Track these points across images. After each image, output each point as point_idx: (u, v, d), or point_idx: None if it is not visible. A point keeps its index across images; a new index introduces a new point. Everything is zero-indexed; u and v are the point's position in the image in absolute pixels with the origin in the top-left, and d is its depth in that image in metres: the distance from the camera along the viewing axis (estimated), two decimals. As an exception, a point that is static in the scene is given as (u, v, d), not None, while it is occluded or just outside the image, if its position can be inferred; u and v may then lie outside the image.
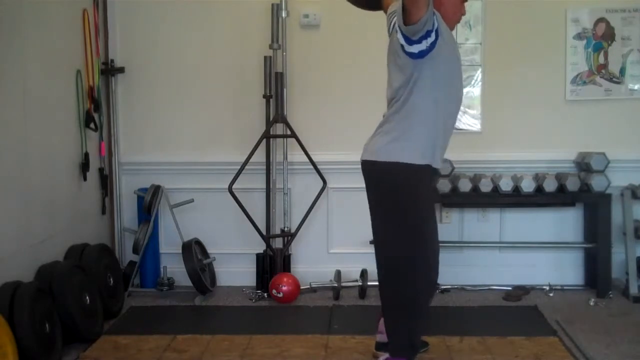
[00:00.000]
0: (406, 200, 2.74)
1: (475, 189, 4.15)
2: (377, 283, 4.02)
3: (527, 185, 4.07)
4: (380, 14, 3.08)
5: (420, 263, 2.76)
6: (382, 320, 3.08)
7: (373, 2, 3.08)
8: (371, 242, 4.03)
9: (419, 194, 2.75)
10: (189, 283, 4.02)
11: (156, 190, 4.20)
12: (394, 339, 2.84)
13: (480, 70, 4.24)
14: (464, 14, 2.88)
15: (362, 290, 4.07)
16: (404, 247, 2.75)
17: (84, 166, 3.94)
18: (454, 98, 2.83)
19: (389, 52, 2.82)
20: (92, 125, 4.01)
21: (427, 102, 2.71)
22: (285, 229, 4.32)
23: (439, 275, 2.87)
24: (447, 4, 2.78)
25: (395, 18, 2.67)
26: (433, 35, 2.60)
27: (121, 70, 4.30)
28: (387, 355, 2.87)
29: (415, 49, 2.62)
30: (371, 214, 2.88)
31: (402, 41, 2.63)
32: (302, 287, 4.10)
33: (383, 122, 2.84)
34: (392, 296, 2.82)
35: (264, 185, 4.26)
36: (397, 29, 2.64)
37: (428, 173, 2.77)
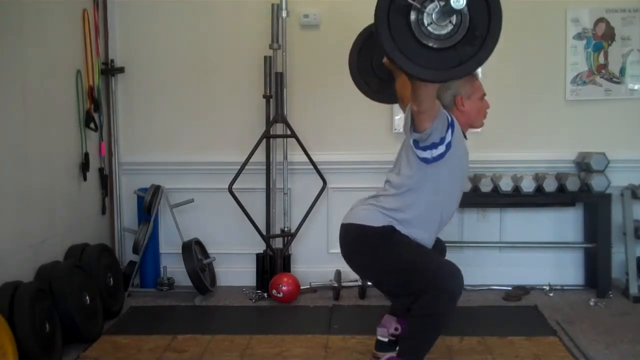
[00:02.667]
0: (390, 242, 2.75)
1: (475, 189, 4.15)
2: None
3: (527, 185, 4.07)
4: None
5: (444, 272, 2.68)
6: (386, 316, 3.08)
7: (390, 97, 3.11)
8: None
9: (401, 238, 2.77)
10: (189, 283, 4.02)
11: (156, 190, 4.20)
12: (410, 343, 2.75)
13: (480, 70, 4.23)
14: (488, 107, 2.93)
15: (362, 290, 4.07)
16: (419, 269, 2.71)
17: (84, 166, 3.94)
18: (448, 210, 2.86)
19: (404, 142, 2.84)
20: (92, 125, 4.01)
21: (422, 207, 2.76)
22: (285, 229, 4.32)
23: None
24: (469, 109, 2.84)
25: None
26: (441, 148, 2.62)
27: (121, 70, 4.30)
28: (391, 354, 2.84)
29: (420, 154, 2.66)
30: (369, 277, 2.92)
31: (411, 142, 2.66)
32: (302, 287, 4.10)
33: (376, 197, 2.85)
34: (429, 309, 2.67)
35: (264, 185, 4.26)
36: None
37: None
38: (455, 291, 2.65)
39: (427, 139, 2.59)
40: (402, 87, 2.94)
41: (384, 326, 3.06)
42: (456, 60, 2.17)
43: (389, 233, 2.76)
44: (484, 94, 2.91)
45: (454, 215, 2.97)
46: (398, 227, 2.77)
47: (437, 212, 2.82)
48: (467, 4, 2.07)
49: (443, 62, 2.16)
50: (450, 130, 2.64)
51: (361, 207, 2.88)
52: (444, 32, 2.14)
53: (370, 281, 2.98)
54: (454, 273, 2.66)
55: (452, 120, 2.67)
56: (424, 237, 2.82)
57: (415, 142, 2.64)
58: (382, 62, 2.93)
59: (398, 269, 2.74)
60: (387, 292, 3.00)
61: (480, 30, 2.17)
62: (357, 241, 2.84)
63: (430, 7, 2.11)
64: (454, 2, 2.03)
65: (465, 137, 2.88)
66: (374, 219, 2.79)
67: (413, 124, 2.58)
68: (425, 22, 2.13)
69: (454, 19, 2.14)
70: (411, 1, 2.11)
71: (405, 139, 2.78)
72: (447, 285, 2.63)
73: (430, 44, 2.14)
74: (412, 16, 2.13)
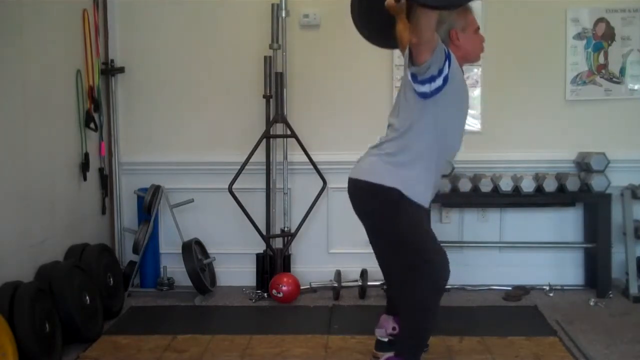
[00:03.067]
0: (400, 214, 2.74)
1: (475, 189, 4.15)
2: (377, 283, 4.07)
3: (527, 185, 4.07)
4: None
5: (434, 260, 2.73)
6: (383, 316, 3.08)
7: (391, 42, 3.09)
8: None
9: (408, 210, 2.75)
10: (189, 283, 4.02)
11: (156, 190, 4.20)
12: (408, 341, 2.79)
13: (480, 70, 4.24)
14: (483, 40, 2.89)
15: (362, 290, 4.07)
16: (414, 248, 2.75)
17: (84, 166, 3.94)
18: (451, 144, 2.85)
19: (402, 81, 2.83)
20: (92, 125, 4.01)
21: (423, 144, 2.73)
22: (285, 229, 4.32)
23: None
24: (464, 43, 2.79)
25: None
26: (439, 81, 2.60)
27: (121, 70, 4.30)
28: (390, 354, 2.85)
29: (419, 88, 2.64)
30: (370, 236, 2.91)
31: (410, 77, 2.65)
32: (302, 287, 4.10)
33: (378, 146, 2.85)
34: (413, 297, 2.74)
35: (264, 185, 4.26)
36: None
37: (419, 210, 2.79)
38: (442, 282, 2.73)
39: (425, 72, 2.57)
40: (403, 29, 2.93)
41: (382, 326, 3.07)
42: None
43: (396, 201, 2.72)
44: (478, 27, 2.87)
45: (458, 150, 2.93)
46: (404, 189, 2.72)
47: (439, 148, 2.77)
48: None
49: None
50: (447, 63, 2.60)
51: (367, 159, 2.86)
52: None
53: (370, 239, 2.96)
54: (445, 266, 2.72)
55: (449, 53, 2.64)
56: (428, 182, 2.78)
57: (414, 77, 2.62)
58: (384, 5, 2.92)
59: (396, 240, 2.77)
60: (378, 252, 2.99)
61: None
62: (365, 199, 2.83)
63: None
64: None
65: (462, 71, 2.84)
66: (381, 175, 2.76)
67: (412, 58, 2.56)
68: None
69: None
70: None
71: (403, 79, 2.78)
72: (436, 276, 2.70)
73: None
74: None
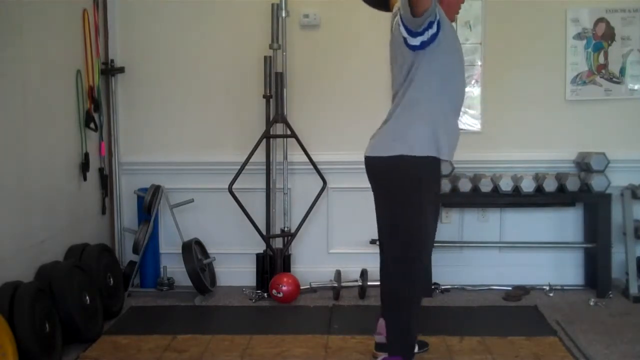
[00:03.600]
0: (408, 193, 2.74)
1: (475, 189, 4.15)
2: (377, 283, 4.05)
3: (527, 185, 4.07)
4: (380, 13, 3.08)
5: (417, 258, 2.79)
6: (380, 321, 3.08)
7: (383, 3, 3.09)
8: (371, 242, 4.04)
9: (422, 187, 2.74)
10: (189, 283, 4.02)
11: (156, 190, 4.20)
12: (393, 337, 2.84)
13: (480, 70, 4.24)
14: (462, 1, 2.91)
15: (362, 290, 4.07)
16: (404, 241, 2.77)
17: (84, 166, 3.94)
18: (454, 90, 2.83)
19: (392, 48, 2.85)
20: (92, 125, 4.01)
21: (425, 94, 2.73)
22: (285, 229, 4.32)
23: (431, 273, 2.89)
24: (447, 1, 2.80)
25: (399, 14, 2.68)
26: (435, 26, 2.63)
27: (121, 70, 4.30)
28: (385, 355, 2.87)
29: (417, 40, 2.65)
30: (376, 209, 2.90)
31: (405, 34, 2.66)
32: (302, 287, 4.10)
33: (387, 118, 2.86)
34: (391, 293, 2.85)
35: (264, 185, 4.26)
36: (400, 22, 2.66)
37: (433, 165, 2.77)
38: (414, 278, 2.80)
39: (424, 21, 2.58)
40: None
41: (381, 333, 3.06)
42: None
43: (412, 173, 2.72)
44: None
45: (463, 99, 2.92)
46: (424, 147, 2.70)
47: (445, 95, 2.77)
48: None
49: None
50: (437, 10, 2.64)
51: (378, 133, 2.85)
52: None
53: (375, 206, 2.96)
54: (418, 277, 2.83)
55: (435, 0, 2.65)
56: (444, 129, 2.75)
57: (410, 32, 2.63)
58: None
59: (395, 223, 2.79)
60: (380, 225, 2.95)
61: None
62: (381, 175, 2.83)
63: None
64: None
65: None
66: (400, 144, 2.73)
67: (412, 11, 2.55)
68: None
69: None
70: None
71: (392, 44, 2.80)
72: (410, 270, 2.77)
73: None
74: None
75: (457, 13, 2.94)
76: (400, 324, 2.82)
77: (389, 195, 2.81)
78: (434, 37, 2.65)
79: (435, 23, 2.63)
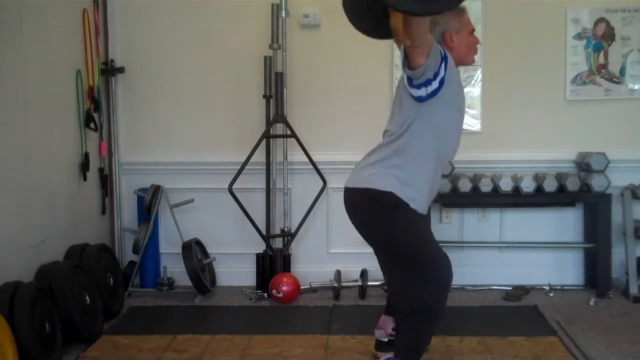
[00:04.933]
0: (397, 218, 2.71)
1: (475, 189, 4.15)
2: (377, 283, 4.07)
3: (527, 185, 4.07)
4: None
5: (437, 263, 2.68)
6: (382, 317, 3.08)
7: (386, 34, 3.08)
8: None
9: (409, 214, 2.71)
10: (189, 283, 4.02)
11: (156, 190, 4.20)
12: (406, 343, 2.75)
13: (480, 70, 4.24)
14: (478, 42, 2.89)
15: (362, 290, 4.07)
16: (409, 253, 2.70)
17: (84, 166, 3.94)
18: (447, 147, 2.80)
19: (398, 85, 2.81)
20: (92, 125, 4.01)
21: (420, 146, 2.70)
22: (285, 229, 4.32)
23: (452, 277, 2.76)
24: (458, 46, 2.78)
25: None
26: (435, 84, 2.57)
27: (121, 70, 4.30)
28: (390, 354, 2.84)
29: (415, 92, 2.61)
30: (372, 244, 2.88)
31: (405, 81, 2.63)
32: (302, 287, 4.10)
33: (374, 152, 2.82)
34: (424, 307, 2.67)
35: (264, 185, 4.26)
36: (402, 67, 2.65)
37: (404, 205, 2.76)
38: (444, 284, 2.66)
39: (421, 76, 2.54)
40: (396, 22, 2.89)
41: (381, 328, 3.06)
42: None
43: (392, 205, 2.69)
44: (473, 29, 2.85)
45: (454, 154, 2.90)
46: (400, 192, 2.68)
47: (437, 152, 2.74)
48: None
49: None
50: (443, 65, 2.57)
51: (362, 167, 2.82)
52: None
53: (372, 247, 2.94)
54: (446, 267, 2.67)
55: (445, 55, 2.61)
56: (425, 187, 2.74)
57: (410, 80, 2.60)
58: None
59: (396, 245, 2.72)
60: (383, 261, 2.97)
61: None
62: (361, 206, 2.79)
63: None
64: None
65: (458, 72, 2.82)
66: (376, 181, 2.72)
67: (407, 61, 2.54)
68: None
69: None
70: None
71: (399, 84, 2.75)
72: (438, 278, 2.64)
73: None
74: None
75: (476, 52, 2.88)
76: (419, 335, 2.74)
77: (372, 224, 2.76)
78: (433, 93, 2.59)
79: (437, 80, 2.57)
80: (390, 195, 2.68)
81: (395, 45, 3.00)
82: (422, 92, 2.59)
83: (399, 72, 4.17)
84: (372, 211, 2.74)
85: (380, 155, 2.76)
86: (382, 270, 3.07)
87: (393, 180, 2.69)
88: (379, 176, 2.72)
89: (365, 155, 2.87)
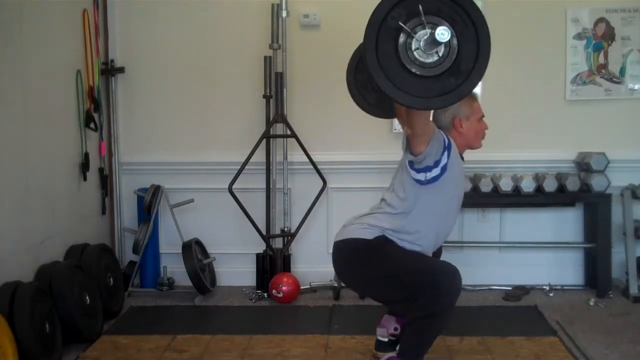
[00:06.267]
0: (389, 253, 2.75)
1: (475, 189, 4.15)
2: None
3: (527, 185, 4.07)
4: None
5: (440, 271, 2.68)
6: (385, 316, 3.08)
7: (388, 112, 3.09)
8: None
9: (400, 246, 2.77)
10: (189, 283, 4.02)
11: (156, 190, 4.20)
12: (411, 345, 2.75)
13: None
14: (487, 128, 2.93)
15: (362, 290, 4.07)
16: (419, 271, 2.70)
17: (84, 166, 3.94)
18: (444, 228, 2.87)
19: (401, 161, 2.83)
20: (92, 125, 4.01)
21: (416, 227, 2.75)
22: (285, 229, 4.32)
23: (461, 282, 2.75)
24: (467, 131, 2.84)
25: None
26: (435, 171, 2.63)
27: (121, 70, 4.30)
28: (391, 354, 2.83)
29: (415, 175, 2.67)
30: (368, 291, 2.92)
31: (406, 163, 2.67)
32: (302, 287, 4.10)
33: (370, 215, 2.85)
34: (436, 315, 2.65)
35: (264, 185, 4.26)
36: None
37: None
38: (454, 288, 2.64)
39: (421, 162, 2.60)
40: (399, 108, 2.94)
41: (384, 326, 3.06)
42: (439, 89, 2.15)
43: (382, 243, 2.75)
44: (482, 116, 2.92)
45: (448, 235, 2.98)
46: (392, 239, 2.77)
47: (431, 234, 2.82)
48: (457, 38, 2.08)
49: (424, 89, 2.15)
50: (446, 154, 2.64)
51: (354, 224, 2.87)
52: (428, 60, 2.13)
53: (369, 295, 2.98)
54: (453, 271, 2.66)
55: (449, 143, 2.67)
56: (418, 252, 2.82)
57: (411, 163, 2.65)
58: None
59: (395, 275, 2.72)
60: (388, 301, 2.99)
61: (466, 64, 2.14)
62: (350, 256, 2.83)
63: (420, 33, 2.11)
64: (438, 34, 2.02)
65: (462, 158, 2.88)
66: (367, 233, 2.78)
67: (409, 146, 2.59)
68: (413, 47, 2.13)
69: (440, 50, 2.13)
70: (402, 24, 2.10)
71: (402, 157, 2.77)
72: (447, 283, 2.62)
73: (414, 70, 2.13)
74: (401, 39, 2.13)
75: (484, 137, 2.94)
76: (425, 338, 2.74)
77: (373, 266, 2.77)
78: (434, 179, 2.64)
79: (439, 167, 2.62)
80: (378, 239, 2.75)
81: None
82: (421, 176, 2.65)
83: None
84: (362, 256, 2.78)
85: (378, 222, 2.80)
86: (392, 307, 3.07)
87: (383, 232, 2.77)
88: (373, 232, 2.78)
89: (360, 215, 2.90)
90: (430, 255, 2.90)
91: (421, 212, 2.74)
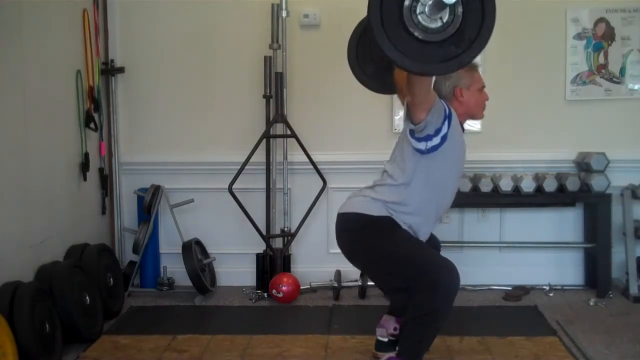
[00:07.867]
0: (393, 236, 2.76)
1: (475, 189, 4.15)
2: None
3: (527, 185, 4.07)
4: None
5: (443, 269, 2.67)
6: (385, 316, 3.08)
7: (388, 87, 3.09)
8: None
9: (404, 232, 2.78)
10: (189, 283, 4.02)
11: (156, 190, 4.20)
12: (410, 345, 2.74)
13: (480, 69, 4.23)
14: (487, 99, 2.93)
15: (362, 290, 4.07)
16: (419, 264, 2.71)
17: (84, 166, 3.94)
18: (443, 200, 2.87)
19: (402, 131, 2.83)
20: (92, 125, 4.01)
21: (417, 197, 2.76)
22: (285, 229, 4.32)
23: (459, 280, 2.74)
24: (467, 101, 2.83)
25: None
26: (436, 139, 2.62)
27: (121, 70, 4.30)
28: (391, 354, 2.83)
29: (415, 144, 2.66)
30: (366, 269, 2.92)
31: (407, 132, 2.67)
32: (302, 287, 4.10)
33: (372, 188, 2.88)
34: (432, 312, 2.64)
35: (264, 185, 4.26)
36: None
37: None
38: (451, 286, 2.64)
39: (422, 130, 2.59)
40: (400, 76, 2.93)
41: (383, 326, 3.06)
42: (439, 56, 2.14)
43: (387, 224, 2.76)
44: (484, 86, 2.91)
45: (448, 208, 2.97)
46: (395, 218, 2.77)
47: (432, 205, 2.82)
48: (462, 7, 2.08)
49: (425, 55, 2.14)
50: (446, 122, 2.62)
51: (358, 197, 2.89)
52: (432, 25, 2.12)
53: (367, 273, 2.99)
54: (451, 269, 2.65)
55: (449, 113, 2.66)
56: (420, 227, 2.83)
57: (411, 132, 2.64)
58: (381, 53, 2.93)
59: (396, 262, 2.74)
60: (384, 284, 3.00)
61: (469, 33, 2.14)
62: (354, 230, 2.84)
63: None
64: None
65: (462, 129, 2.87)
66: (372, 208, 2.79)
67: (409, 114, 2.59)
68: (418, 10, 2.11)
69: (445, 16, 2.12)
70: None
71: (403, 128, 2.77)
72: (444, 281, 2.62)
73: (416, 34, 2.12)
74: (407, 1, 2.11)
75: (484, 108, 2.94)
76: (424, 337, 2.74)
77: (375, 247, 2.78)
78: (433, 148, 2.64)
79: (440, 136, 2.62)
80: (383, 218, 2.75)
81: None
82: (421, 145, 2.64)
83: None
84: (366, 235, 2.79)
85: (378, 195, 2.82)
86: (385, 292, 3.07)
87: (388, 210, 2.77)
88: (373, 205, 2.79)
89: (362, 188, 2.92)
90: (433, 228, 2.91)
91: (422, 182, 2.74)
